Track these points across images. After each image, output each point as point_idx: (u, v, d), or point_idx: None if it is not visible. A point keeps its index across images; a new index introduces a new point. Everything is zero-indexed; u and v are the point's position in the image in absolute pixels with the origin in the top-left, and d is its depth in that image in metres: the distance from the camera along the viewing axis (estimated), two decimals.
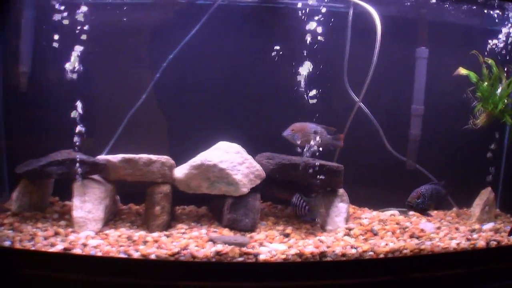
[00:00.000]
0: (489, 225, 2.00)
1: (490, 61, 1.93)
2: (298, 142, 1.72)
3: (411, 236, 1.79)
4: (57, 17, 1.79)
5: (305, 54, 1.76)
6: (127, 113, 1.84)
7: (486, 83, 1.93)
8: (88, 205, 1.68)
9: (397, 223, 1.91)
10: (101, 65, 1.79)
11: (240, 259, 1.49)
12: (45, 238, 1.60)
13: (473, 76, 1.91)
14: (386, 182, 2.03)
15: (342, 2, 1.81)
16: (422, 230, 1.87)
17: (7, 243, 1.55)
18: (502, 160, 2.14)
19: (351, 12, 1.80)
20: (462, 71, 1.93)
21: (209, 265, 1.48)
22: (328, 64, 1.81)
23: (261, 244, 1.59)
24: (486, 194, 2.07)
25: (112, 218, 1.80)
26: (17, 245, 1.54)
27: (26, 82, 1.81)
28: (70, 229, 1.67)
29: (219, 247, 1.51)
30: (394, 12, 1.83)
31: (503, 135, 2.10)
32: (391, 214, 2.03)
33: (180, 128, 1.90)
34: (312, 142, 1.70)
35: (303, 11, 1.75)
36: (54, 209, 1.90)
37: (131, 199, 1.94)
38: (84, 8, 1.74)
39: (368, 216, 1.98)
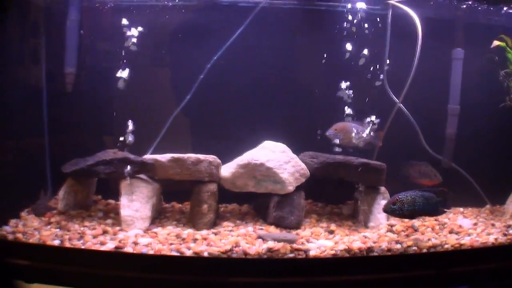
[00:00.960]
0: None
1: None
2: (341, 142, 1.80)
3: (450, 232, 1.87)
4: (101, 19, 1.91)
5: (346, 55, 1.85)
6: (172, 113, 1.91)
7: None
8: (135, 204, 1.75)
9: (436, 219, 1.98)
10: (145, 67, 1.88)
11: (291, 255, 1.57)
12: (94, 237, 1.67)
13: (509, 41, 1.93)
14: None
15: (381, 4, 1.86)
16: (460, 226, 1.95)
17: (56, 242, 1.62)
18: None
19: (389, 13, 1.86)
20: (498, 42, 1.94)
21: (261, 262, 1.55)
22: (368, 66, 1.89)
23: (308, 241, 1.67)
24: None
25: (157, 216, 1.87)
26: (67, 244, 1.61)
27: (72, 83, 1.88)
28: (117, 228, 1.75)
29: (271, 244, 1.58)
30: (431, 14, 1.89)
31: None
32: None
33: (224, 127, 1.97)
34: (354, 141, 1.77)
35: (345, 14, 1.84)
36: (98, 207, 1.98)
37: (173, 197, 2.02)
38: (127, 11, 1.86)
39: None
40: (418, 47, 1.91)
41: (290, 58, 2.02)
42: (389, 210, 1.78)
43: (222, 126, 1.99)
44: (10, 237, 1.64)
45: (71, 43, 1.87)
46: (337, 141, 1.82)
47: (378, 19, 1.90)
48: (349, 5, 1.82)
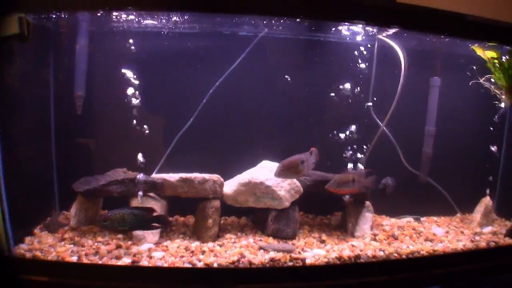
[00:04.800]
0: (488, 229, 2.40)
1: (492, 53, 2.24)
2: (293, 176, 2.01)
3: (426, 239, 2.20)
4: (108, 44, 2.15)
5: (336, 83, 2.20)
6: (176, 134, 2.17)
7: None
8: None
9: (413, 229, 2.33)
10: (150, 90, 2.10)
11: (290, 263, 1.85)
12: (109, 252, 1.87)
13: (489, 53, 2.21)
14: (402, 193, 2.37)
15: (369, 36, 2.17)
16: (434, 234, 2.28)
17: (74, 258, 1.80)
18: (499, 172, 2.58)
19: (376, 45, 2.19)
20: (478, 51, 2.21)
21: (264, 270, 1.81)
22: (355, 91, 2.24)
23: (303, 250, 1.97)
24: (485, 201, 2.48)
25: (164, 230, 2.09)
26: (84, 259, 1.80)
27: (82, 106, 2.09)
28: (129, 242, 1.95)
29: (272, 254, 1.88)
30: (413, 45, 2.23)
31: (500, 151, 2.54)
32: (407, 221, 2.46)
33: (225, 148, 2.23)
34: (303, 171, 1.96)
35: (337, 45, 2.19)
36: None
37: (175, 211, 2.28)
38: (133, 37, 2.11)
39: (388, 223, 2.42)
40: (402, 78, 2.23)
41: (286, 85, 2.27)
42: (101, 226, 2.01)
43: (223, 146, 2.24)
44: (28, 254, 1.81)
45: (80, 67, 2.08)
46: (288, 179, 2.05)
47: (366, 51, 2.20)
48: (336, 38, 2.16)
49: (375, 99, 2.25)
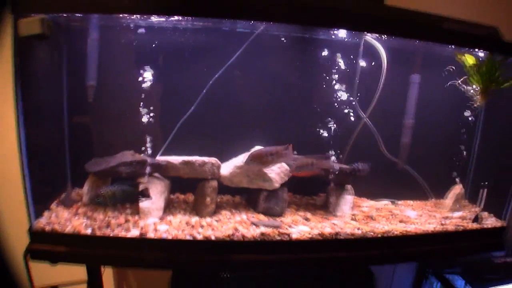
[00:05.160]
0: (458, 214, 2.55)
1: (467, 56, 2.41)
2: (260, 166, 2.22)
3: (400, 221, 2.36)
4: (117, 37, 2.31)
5: (325, 76, 2.39)
6: (179, 120, 2.35)
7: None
8: (152, 197, 2.14)
9: (389, 211, 2.53)
10: (156, 81, 2.24)
11: (278, 238, 2.04)
12: (119, 225, 2.02)
13: (468, 59, 2.39)
14: (382, 178, 2.65)
15: (356, 36, 2.34)
16: (408, 217, 2.44)
17: (88, 231, 1.98)
18: (472, 162, 2.79)
19: (361, 44, 2.36)
20: (459, 56, 2.39)
21: (256, 243, 2.01)
22: (342, 86, 2.42)
23: (290, 226, 2.14)
24: (457, 189, 2.69)
25: (167, 206, 2.30)
26: (97, 232, 1.97)
27: (93, 94, 2.27)
28: (136, 217, 2.10)
29: (262, 229, 2.08)
30: (396, 44, 2.40)
31: (472, 144, 2.78)
32: (385, 204, 2.68)
33: (222, 133, 2.42)
34: (272, 162, 2.21)
35: (323, 42, 2.37)
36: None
37: (176, 188, 2.50)
38: (141, 30, 2.27)
39: (367, 205, 2.64)
40: (383, 74, 2.45)
41: (279, 78, 2.47)
42: (95, 203, 2.19)
43: (220, 132, 2.43)
44: (47, 227, 1.99)
45: (92, 59, 2.24)
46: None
47: (352, 48, 2.39)
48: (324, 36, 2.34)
49: (358, 94, 2.45)
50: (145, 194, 2.15)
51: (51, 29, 1.83)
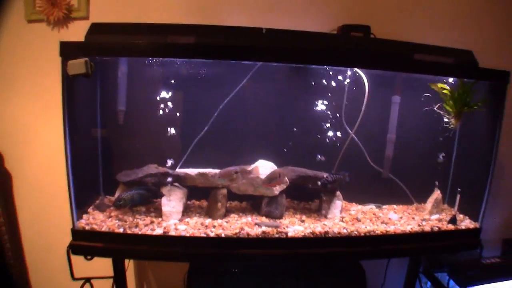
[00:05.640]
0: (435, 216, 2.77)
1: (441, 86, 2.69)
2: (229, 183, 2.59)
3: (382, 222, 2.60)
4: (143, 70, 2.75)
5: (317, 101, 2.80)
6: (194, 138, 2.73)
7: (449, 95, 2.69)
8: (172, 202, 2.44)
9: (374, 214, 2.75)
10: (175, 107, 2.64)
11: (277, 235, 2.33)
12: (145, 225, 2.32)
13: (442, 86, 2.63)
14: (368, 185, 2.94)
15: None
16: (390, 219, 2.67)
17: (121, 230, 2.29)
18: (451, 168, 3.06)
19: (348, 73, 2.71)
20: (433, 86, 2.65)
21: (258, 239, 2.32)
22: (332, 109, 2.82)
23: (287, 227, 2.41)
24: (436, 194, 2.88)
25: (185, 211, 2.55)
26: (128, 231, 2.29)
27: (123, 117, 2.70)
28: (159, 219, 2.40)
29: (264, 228, 2.35)
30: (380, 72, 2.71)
31: (451, 152, 3.05)
32: (370, 207, 2.90)
33: (232, 149, 2.74)
34: (236, 181, 2.56)
35: (315, 70, 2.76)
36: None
37: (192, 196, 2.87)
38: (162, 65, 2.65)
39: (355, 209, 2.85)
40: (366, 96, 2.80)
41: (278, 103, 2.83)
42: (116, 205, 2.40)
43: (230, 149, 2.74)
44: (87, 227, 2.31)
45: (121, 89, 2.62)
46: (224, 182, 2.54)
47: (340, 75, 2.73)
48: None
49: (343, 114, 2.82)
50: (159, 195, 2.53)
51: (93, 69, 2.16)
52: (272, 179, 2.61)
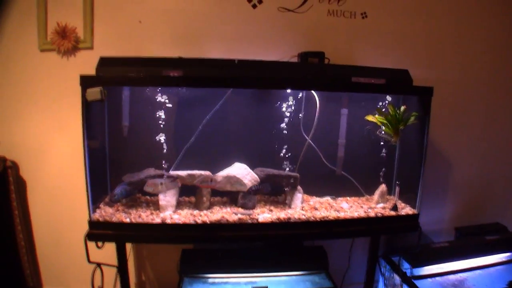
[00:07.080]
0: (380, 205, 3.20)
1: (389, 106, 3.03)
2: (154, 192, 2.97)
3: (335, 210, 3.04)
4: (142, 93, 3.36)
5: (281, 114, 3.39)
6: (184, 146, 3.17)
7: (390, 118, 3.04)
8: (168, 197, 2.90)
9: (328, 203, 3.18)
10: (169, 120, 3.13)
11: (250, 221, 2.78)
12: (147, 216, 2.75)
13: (378, 119, 3.12)
14: (325, 181, 3.38)
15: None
16: (341, 207, 3.11)
17: (127, 220, 2.73)
18: (394, 167, 3.51)
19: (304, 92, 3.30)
20: (369, 118, 3.15)
21: (235, 224, 2.76)
22: (293, 121, 3.41)
23: (258, 214, 2.87)
24: (381, 187, 3.30)
25: (177, 205, 2.97)
26: (133, 220, 2.74)
27: (127, 131, 3.11)
28: (157, 211, 2.85)
29: (240, 216, 2.85)
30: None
31: (394, 155, 3.49)
32: (326, 199, 3.33)
33: (213, 154, 3.21)
34: (161, 190, 2.97)
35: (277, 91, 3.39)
36: (141, 200, 3.16)
37: (182, 193, 3.21)
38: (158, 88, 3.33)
39: (314, 200, 3.27)
40: (317, 109, 3.38)
41: (251, 117, 3.30)
42: (113, 200, 2.97)
43: (213, 154, 3.21)
44: (100, 219, 2.74)
45: (125, 108, 3.08)
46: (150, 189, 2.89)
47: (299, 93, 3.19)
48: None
49: (301, 124, 3.36)
50: (139, 188, 2.94)
51: (105, 95, 2.60)
52: (204, 181, 2.98)
